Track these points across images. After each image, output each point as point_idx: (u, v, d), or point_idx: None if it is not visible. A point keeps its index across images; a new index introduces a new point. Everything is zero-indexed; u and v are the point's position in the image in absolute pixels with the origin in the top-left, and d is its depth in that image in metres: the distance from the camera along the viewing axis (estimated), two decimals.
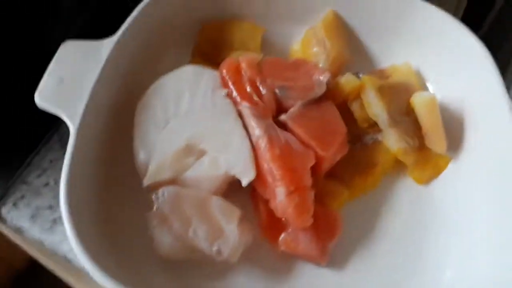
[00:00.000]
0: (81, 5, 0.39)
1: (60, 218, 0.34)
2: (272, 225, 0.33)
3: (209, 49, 0.41)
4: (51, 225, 0.34)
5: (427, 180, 0.36)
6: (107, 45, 0.34)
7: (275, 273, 0.32)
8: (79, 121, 0.30)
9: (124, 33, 0.35)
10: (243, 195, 0.34)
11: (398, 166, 0.36)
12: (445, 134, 0.35)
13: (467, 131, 0.36)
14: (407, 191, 0.36)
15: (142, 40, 0.37)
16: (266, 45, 0.41)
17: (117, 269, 0.28)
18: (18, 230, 0.34)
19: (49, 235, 0.34)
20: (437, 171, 0.36)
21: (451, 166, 0.36)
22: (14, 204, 0.35)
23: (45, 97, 0.31)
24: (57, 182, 0.36)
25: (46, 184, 0.36)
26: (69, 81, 0.32)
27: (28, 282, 0.77)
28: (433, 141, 0.36)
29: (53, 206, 0.35)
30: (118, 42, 0.34)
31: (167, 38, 0.39)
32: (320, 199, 0.33)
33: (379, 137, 0.37)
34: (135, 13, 0.35)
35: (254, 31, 0.41)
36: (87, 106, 0.31)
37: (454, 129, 0.36)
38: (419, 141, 0.36)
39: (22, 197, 0.35)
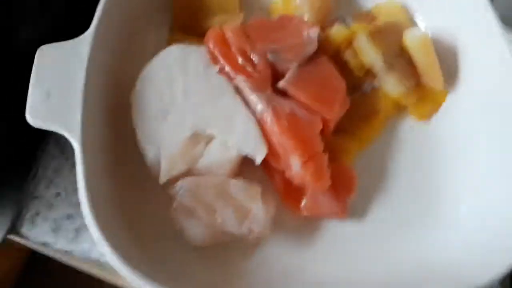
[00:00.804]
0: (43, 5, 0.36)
1: (82, 226, 0.34)
2: (291, 193, 0.34)
3: (187, 19, 0.39)
4: (75, 234, 0.35)
5: (428, 115, 0.37)
6: (84, 41, 0.31)
7: (302, 236, 0.34)
8: (80, 132, 0.29)
9: (98, 25, 0.32)
10: (256, 169, 0.34)
11: (398, 108, 0.37)
12: (441, 70, 0.36)
13: (461, 62, 0.36)
14: (411, 132, 0.37)
15: (118, 28, 0.34)
16: (244, 3, 0.39)
17: (151, 268, 0.28)
18: (45, 245, 0.34)
19: (76, 244, 0.34)
20: (436, 105, 0.37)
21: (449, 99, 0.36)
22: (32, 222, 0.35)
23: (36, 114, 0.29)
24: (67, 191, 0.36)
25: (57, 195, 0.35)
26: (57, 90, 0.30)
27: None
28: (430, 78, 0.36)
29: (71, 215, 0.35)
30: (95, 34, 0.32)
31: (142, 18, 0.37)
32: (332, 156, 0.34)
33: (377, 83, 0.37)
34: (103, 1, 0.33)
35: None
36: (84, 113, 0.29)
37: (448, 61, 0.36)
38: (416, 80, 0.36)
39: (37, 213, 0.35)
